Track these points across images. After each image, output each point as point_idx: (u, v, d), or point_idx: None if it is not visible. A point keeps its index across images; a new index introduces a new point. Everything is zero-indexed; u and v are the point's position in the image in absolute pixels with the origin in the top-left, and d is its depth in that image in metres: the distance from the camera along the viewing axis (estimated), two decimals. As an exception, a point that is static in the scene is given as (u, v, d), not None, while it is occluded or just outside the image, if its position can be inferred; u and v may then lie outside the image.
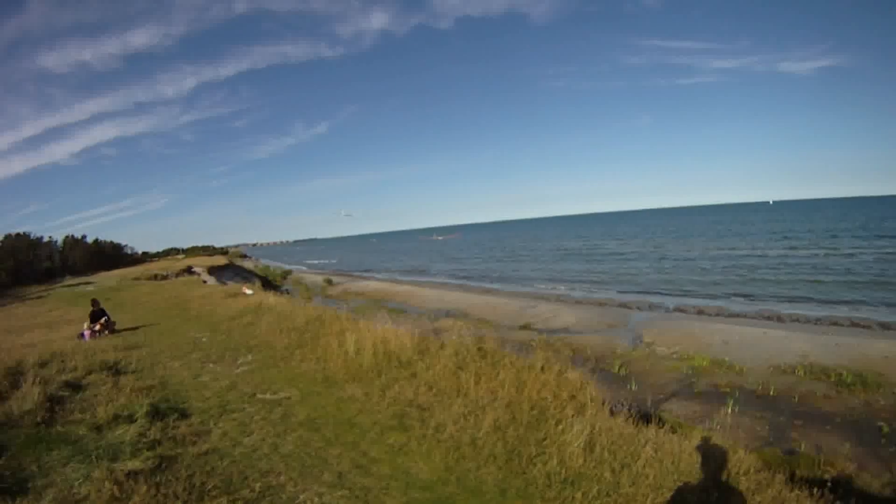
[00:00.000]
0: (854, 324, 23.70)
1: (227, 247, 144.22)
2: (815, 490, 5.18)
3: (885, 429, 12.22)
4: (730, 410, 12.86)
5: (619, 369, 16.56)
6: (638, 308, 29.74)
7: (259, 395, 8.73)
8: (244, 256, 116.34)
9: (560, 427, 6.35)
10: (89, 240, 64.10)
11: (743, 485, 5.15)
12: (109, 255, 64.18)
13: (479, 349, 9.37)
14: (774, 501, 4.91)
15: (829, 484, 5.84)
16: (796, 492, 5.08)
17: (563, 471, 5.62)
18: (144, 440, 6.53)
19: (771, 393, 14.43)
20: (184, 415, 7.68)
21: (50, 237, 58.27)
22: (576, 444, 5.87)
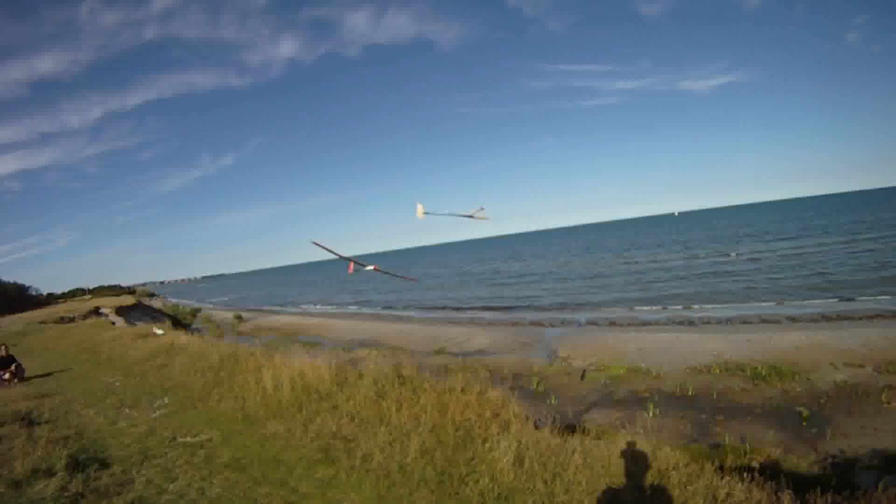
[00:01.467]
0: (763, 320, 25.16)
1: (135, 285, 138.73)
2: (745, 475, 5.32)
3: (806, 413, 12.95)
4: (651, 414, 13.24)
5: (537, 385, 16.77)
6: (550, 325, 30.35)
7: (180, 439, 8.25)
8: (152, 295, 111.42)
9: (487, 445, 6.33)
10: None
11: (674, 479, 5.23)
12: (13, 298, 59.78)
13: (398, 376, 9.26)
14: (707, 490, 5.01)
15: (757, 469, 6.04)
16: (727, 479, 5.21)
17: (496, 487, 5.56)
18: (66, 494, 6.07)
19: (690, 393, 14.92)
20: (104, 464, 7.16)
21: (-50, 279, 54.58)
22: (505, 461, 5.84)
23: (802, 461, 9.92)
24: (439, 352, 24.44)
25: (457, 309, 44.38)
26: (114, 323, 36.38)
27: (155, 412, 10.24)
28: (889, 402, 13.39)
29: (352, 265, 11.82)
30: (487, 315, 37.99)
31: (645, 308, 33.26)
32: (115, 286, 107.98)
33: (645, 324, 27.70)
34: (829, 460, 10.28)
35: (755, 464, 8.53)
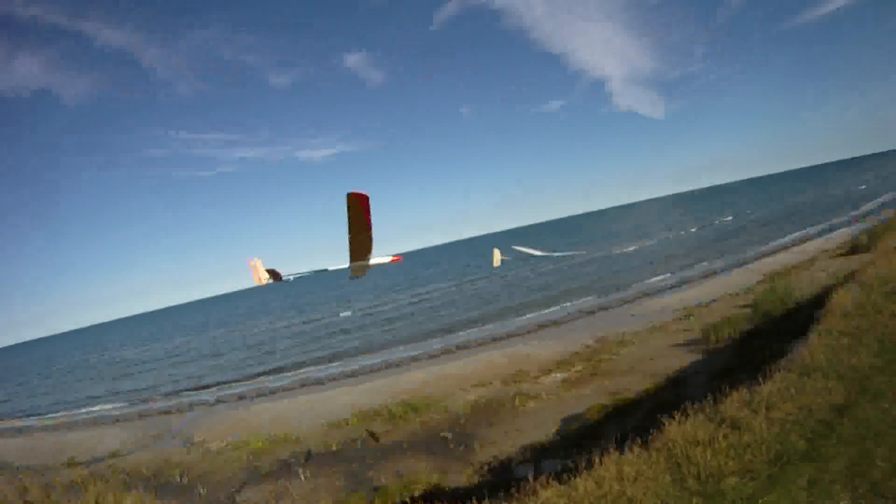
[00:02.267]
0: (388, 365, 27.91)
1: None
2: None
3: (448, 435, 14.80)
4: (303, 477, 13.48)
5: (181, 478, 15.76)
6: (179, 411, 28.93)
7: None
8: None
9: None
10: None
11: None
12: None
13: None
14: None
15: (417, 498, 5.90)
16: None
17: None
18: None
19: (334, 448, 15.56)
20: None
21: None
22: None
23: (461, 477, 11.25)
24: (70, 463, 21.11)
25: (76, 410, 37.76)
26: None
27: None
28: (523, 405, 15.82)
29: (257, 269, 11.24)
30: (114, 411, 33.96)
31: (270, 377, 33.52)
32: None
33: (273, 392, 27.95)
34: (486, 468, 11.70)
35: (417, 494, 8.71)
